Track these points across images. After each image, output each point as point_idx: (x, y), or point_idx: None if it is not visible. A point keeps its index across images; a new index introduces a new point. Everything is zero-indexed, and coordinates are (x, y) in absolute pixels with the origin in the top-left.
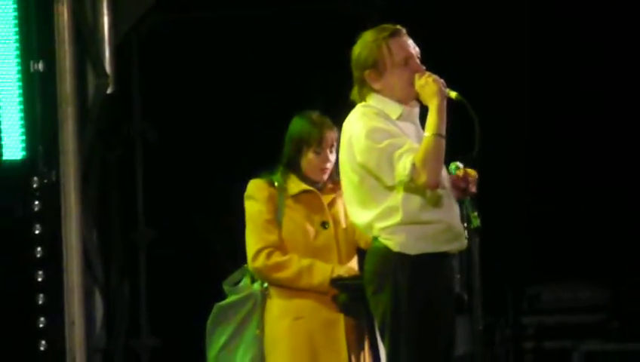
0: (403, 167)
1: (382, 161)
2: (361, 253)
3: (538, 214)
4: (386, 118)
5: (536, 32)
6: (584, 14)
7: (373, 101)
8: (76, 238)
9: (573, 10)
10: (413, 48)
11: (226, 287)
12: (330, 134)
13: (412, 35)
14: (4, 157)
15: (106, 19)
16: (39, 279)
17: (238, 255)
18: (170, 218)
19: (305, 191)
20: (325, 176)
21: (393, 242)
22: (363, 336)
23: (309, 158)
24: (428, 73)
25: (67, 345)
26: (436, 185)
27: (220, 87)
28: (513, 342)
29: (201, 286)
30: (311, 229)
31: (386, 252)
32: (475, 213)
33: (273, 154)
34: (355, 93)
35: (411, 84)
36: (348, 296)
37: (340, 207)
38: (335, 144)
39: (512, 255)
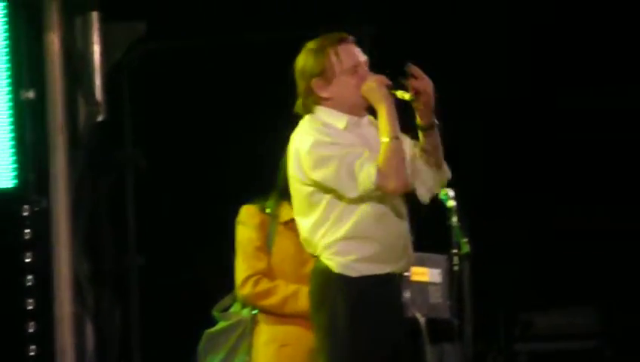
0: (367, 174)
1: (341, 172)
2: None
3: (531, 240)
4: (334, 129)
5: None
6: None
7: (319, 113)
8: (67, 266)
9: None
10: (362, 56)
11: (215, 314)
12: None
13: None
14: None
15: (96, 47)
16: (30, 307)
17: (228, 281)
18: (161, 244)
19: None
20: None
21: (334, 263)
22: None
23: None
24: (370, 77)
25: None
26: (406, 187)
27: (211, 113)
28: None
29: (192, 313)
30: (300, 257)
31: (328, 272)
32: (465, 239)
33: (265, 181)
34: (299, 105)
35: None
36: None
37: None
38: None
39: (504, 281)
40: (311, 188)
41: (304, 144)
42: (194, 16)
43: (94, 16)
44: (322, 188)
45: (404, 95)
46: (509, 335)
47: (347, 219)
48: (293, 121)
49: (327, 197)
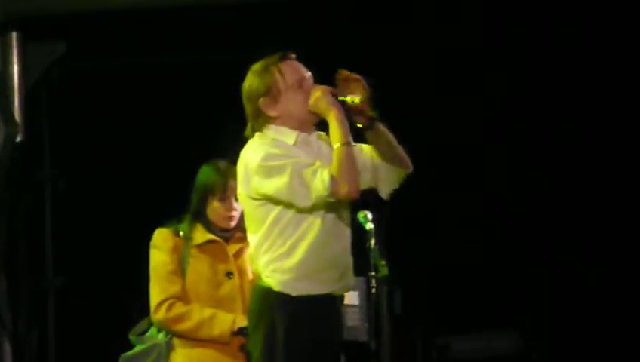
0: (321, 180)
1: (293, 181)
2: None
3: (449, 263)
4: (284, 144)
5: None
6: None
7: (268, 131)
8: None
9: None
10: (306, 71)
11: (132, 337)
12: (235, 182)
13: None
14: None
15: (15, 68)
16: None
17: (146, 303)
18: (79, 266)
19: (210, 241)
20: (232, 224)
21: (274, 280)
22: None
23: (214, 207)
24: (315, 88)
25: None
26: (358, 193)
27: (131, 135)
28: None
29: (110, 335)
30: (215, 279)
31: (267, 291)
32: (383, 262)
33: (186, 203)
34: (249, 129)
35: (308, 106)
36: None
37: (246, 256)
38: None
39: (421, 304)
40: (257, 203)
41: (254, 158)
42: (114, 36)
43: (14, 36)
44: (273, 201)
45: (353, 99)
46: (426, 358)
47: (290, 236)
48: (215, 142)
49: (274, 213)
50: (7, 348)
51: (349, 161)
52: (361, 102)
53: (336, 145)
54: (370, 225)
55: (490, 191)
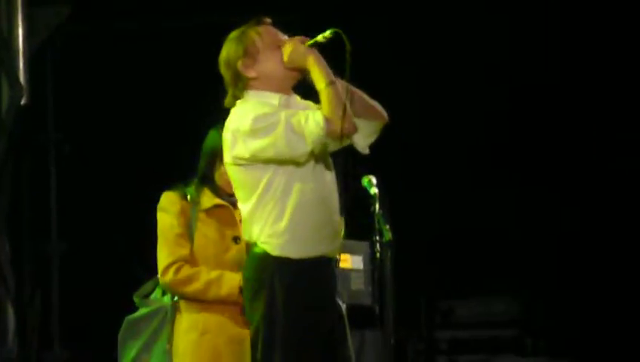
0: (315, 123)
1: (287, 133)
2: None
3: (451, 228)
4: (270, 105)
5: None
6: None
7: (250, 97)
8: None
9: None
10: (282, 34)
11: (136, 299)
12: None
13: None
14: None
15: (20, 30)
16: None
17: (151, 267)
18: (82, 229)
19: (217, 206)
20: None
21: (271, 246)
22: None
23: (221, 171)
24: (284, 45)
25: None
26: (355, 128)
27: (135, 98)
28: (426, 356)
29: (113, 298)
30: (222, 244)
31: (264, 256)
32: (387, 226)
33: (191, 167)
34: (229, 98)
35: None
36: None
37: None
38: None
39: (425, 268)
40: (243, 169)
41: (243, 123)
42: None
43: None
44: (269, 161)
45: (323, 35)
46: (429, 322)
47: (281, 200)
48: (218, 107)
49: (265, 179)
50: (11, 312)
51: (338, 99)
52: (332, 34)
53: (321, 86)
54: (374, 190)
55: (492, 164)
